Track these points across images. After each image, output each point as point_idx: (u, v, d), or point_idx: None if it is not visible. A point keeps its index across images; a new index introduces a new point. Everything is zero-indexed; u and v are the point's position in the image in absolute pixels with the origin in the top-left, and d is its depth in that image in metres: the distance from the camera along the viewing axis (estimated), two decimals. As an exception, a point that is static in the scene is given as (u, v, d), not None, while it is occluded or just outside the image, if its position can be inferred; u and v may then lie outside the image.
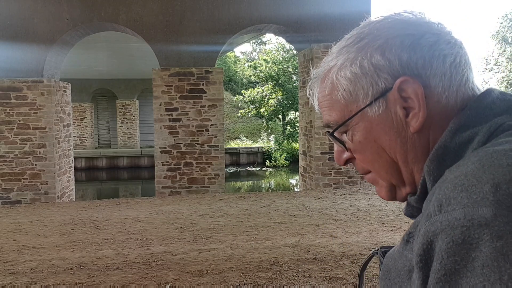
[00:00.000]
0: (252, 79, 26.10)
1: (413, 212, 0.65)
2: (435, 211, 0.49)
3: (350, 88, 0.64)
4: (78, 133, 20.31)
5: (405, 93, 0.60)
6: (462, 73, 0.62)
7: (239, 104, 24.91)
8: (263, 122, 24.43)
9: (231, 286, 3.69)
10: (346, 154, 0.69)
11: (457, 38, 0.63)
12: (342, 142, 0.68)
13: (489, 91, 0.61)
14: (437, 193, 0.51)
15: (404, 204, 0.68)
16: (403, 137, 0.62)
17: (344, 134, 0.67)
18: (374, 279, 3.63)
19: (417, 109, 0.60)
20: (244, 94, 23.19)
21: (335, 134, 0.67)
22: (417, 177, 0.63)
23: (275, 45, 24.47)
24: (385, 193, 0.68)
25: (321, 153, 8.77)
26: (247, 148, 21.07)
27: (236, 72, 31.65)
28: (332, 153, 8.77)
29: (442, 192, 0.50)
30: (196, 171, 8.71)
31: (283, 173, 18.63)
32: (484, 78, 27.31)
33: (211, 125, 8.68)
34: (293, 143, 20.88)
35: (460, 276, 0.44)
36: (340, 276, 3.89)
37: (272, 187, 16.11)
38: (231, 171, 18.92)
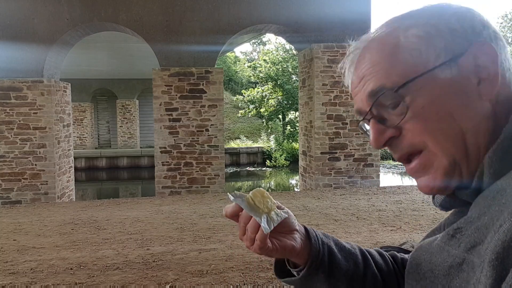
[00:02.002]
0: (252, 80, 26.11)
1: (452, 204, 0.62)
2: None
3: (421, 48, 0.58)
4: (78, 133, 20.31)
5: (480, 59, 0.57)
6: None
7: (239, 104, 24.90)
8: (263, 122, 24.41)
9: (231, 286, 3.69)
10: (390, 132, 0.60)
11: None
12: (396, 107, 0.59)
13: None
14: None
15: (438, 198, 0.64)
16: (474, 105, 0.57)
17: (390, 109, 0.60)
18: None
19: (492, 76, 0.56)
20: (244, 94, 23.19)
21: (381, 100, 0.60)
22: (482, 156, 0.57)
23: (274, 45, 24.48)
24: (441, 175, 0.58)
25: (321, 153, 8.77)
26: (247, 148, 21.06)
27: (236, 72, 31.65)
28: (332, 153, 8.77)
29: None
30: (196, 171, 8.71)
31: (283, 173, 18.62)
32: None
33: (211, 125, 8.68)
34: (293, 143, 20.86)
35: None
36: (340, 276, 3.88)
37: (272, 187, 16.10)
38: (231, 171, 18.91)
